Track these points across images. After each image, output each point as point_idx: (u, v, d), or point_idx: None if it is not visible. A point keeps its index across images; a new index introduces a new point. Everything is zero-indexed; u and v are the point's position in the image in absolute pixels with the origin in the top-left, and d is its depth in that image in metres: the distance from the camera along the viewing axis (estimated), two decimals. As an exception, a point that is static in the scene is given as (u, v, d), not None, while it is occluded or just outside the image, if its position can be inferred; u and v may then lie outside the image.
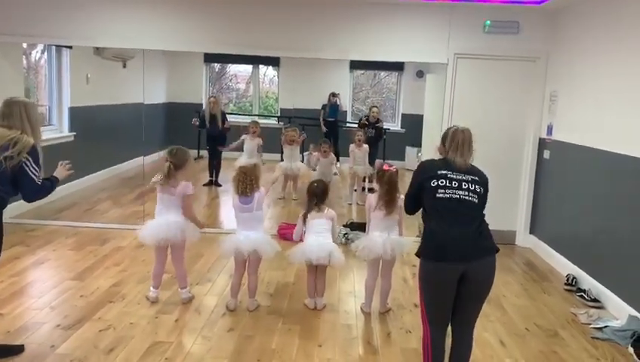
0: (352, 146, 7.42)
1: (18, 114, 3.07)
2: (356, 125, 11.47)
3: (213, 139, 8.25)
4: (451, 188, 2.64)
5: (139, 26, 5.85)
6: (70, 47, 6.96)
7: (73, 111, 7.30)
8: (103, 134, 7.81)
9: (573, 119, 5.15)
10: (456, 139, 2.76)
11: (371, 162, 7.79)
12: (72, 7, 5.79)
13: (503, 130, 5.87)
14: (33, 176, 3.04)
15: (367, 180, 7.61)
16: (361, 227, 5.48)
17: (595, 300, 4.35)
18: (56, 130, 7.15)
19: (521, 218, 6.02)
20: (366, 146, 7.42)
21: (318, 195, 3.96)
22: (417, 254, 2.75)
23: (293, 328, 3.70)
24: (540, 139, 5.84)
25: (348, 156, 7.61)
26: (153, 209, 4.05)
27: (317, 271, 4.02)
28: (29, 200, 3.15)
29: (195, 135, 8.50)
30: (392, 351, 3.48)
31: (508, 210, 5.96)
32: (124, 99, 8.10)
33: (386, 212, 3.82)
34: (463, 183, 2.66)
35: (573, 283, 4.70)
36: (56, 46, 6.83)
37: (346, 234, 5.75)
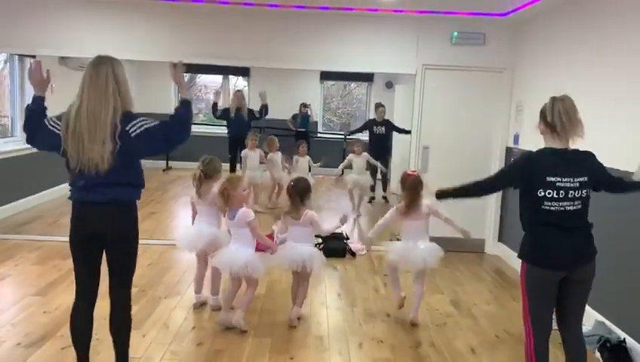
0: (351, 156, 7.45)
1: (104, 76, 2.61)
2: (332, 134, 11.56)
3: (235, 142, 8.02)
4: (558, 199, 2.59)
5: (105, 36, 5.75)
6: (34, 57, 6.79)
7: (37, 122, 7.11)
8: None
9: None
10: (556, 111, 2.64)
11: (383, 162, 7.89)
12: (36, 16, 5.68)
13: (470, 139, 5.96)
14: (155, 124, 2.66)
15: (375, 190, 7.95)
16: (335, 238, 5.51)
17: (563, 306, 4.41)
18: (20, 142, 6.94)
19: (489, 226, 6.10)
20: (365, 154, 7.47)
21: (292, 194, 3.88)
22: (520, 257, 2.76)
23: (264, 341, 3.65)
24: (507, 148, 5.95)
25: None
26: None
27: (299, 278, 3.97)
28: (177, 140, 2.72)
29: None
30: (364, 361, 3.46)
31: (476, 219, 6.02)
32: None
33: (412, 217, 3.89)
34: (570, 192, 2.60)
35: (542, 289, 4.76)
36: (19, 55, 6.66)
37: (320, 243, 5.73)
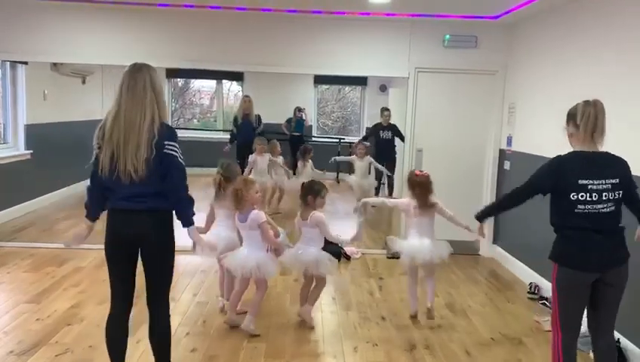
0: (353, 157, 7.46)
1: (142, 84, 2.58)
2: (326, 138, 11.58)
3: (243, 148, 8.01)
4: (591, 202, 2.59)
5: (97, 41, 5.74)
6: (26, 63, 6.77)
7: (29, 128, 7.09)
8: (61, 152, 7.60)
9: (531, 130, 5.27)
10: (586, 115, 2.62)
11: (390, 166, 7.83)
12: (28, 22, 5.65)
13: (464, 141, 5.97)
14: (183, 165, 2.62)
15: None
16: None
17: (558, 307, 4.42)
18: (12, 148, 6.93)
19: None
20: (368, 157, 7.46)
21: (301, 196, 3.96)
22: (552, 258, 2.75)
23: (259, 346, 3.63)
24: (500, 150, 5.96)
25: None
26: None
27: (315, 281, 4.02)
28: (176, 194, 2.64)
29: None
30: (360, 365, 3.46)
31: (471, 221, 6.01)
32: (83, 115, 7.92)
33: (421, 215, 3.94)
34: (604, 194, 2.60)
35: (536, 291, 4.77)
36: (11, 62, 6.63)
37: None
